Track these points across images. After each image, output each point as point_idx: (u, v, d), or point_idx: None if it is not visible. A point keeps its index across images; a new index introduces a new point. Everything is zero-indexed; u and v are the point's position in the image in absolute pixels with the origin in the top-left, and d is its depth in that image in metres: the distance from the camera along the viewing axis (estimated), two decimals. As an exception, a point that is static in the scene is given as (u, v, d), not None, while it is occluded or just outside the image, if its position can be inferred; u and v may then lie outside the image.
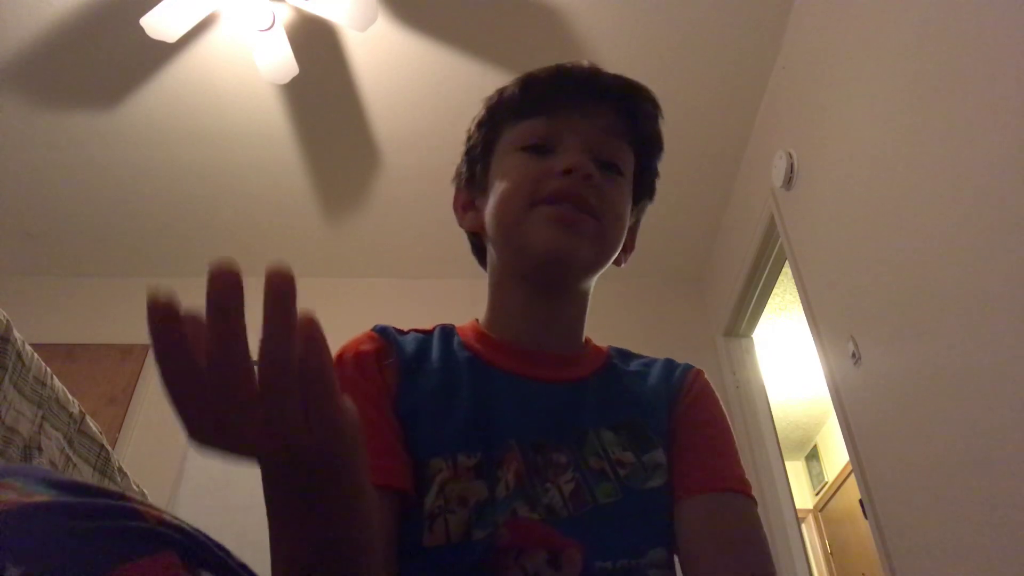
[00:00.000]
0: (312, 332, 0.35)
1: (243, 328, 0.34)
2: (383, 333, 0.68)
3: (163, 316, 0.33)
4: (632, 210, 0.73)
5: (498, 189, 0.69)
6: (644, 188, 0.75)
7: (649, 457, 0.63)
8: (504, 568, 0.55)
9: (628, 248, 0.76)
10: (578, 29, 2.43)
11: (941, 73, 1.64)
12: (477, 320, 0.74)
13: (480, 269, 0.78)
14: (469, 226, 0.75)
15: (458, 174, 0.78)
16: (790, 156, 2.44)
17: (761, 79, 2.63)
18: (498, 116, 0.73)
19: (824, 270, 2.30)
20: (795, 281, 2.50)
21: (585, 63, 0.72)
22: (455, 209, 0.77)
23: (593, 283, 0.72)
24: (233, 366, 0.34)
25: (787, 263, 2.62)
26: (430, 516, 0.57)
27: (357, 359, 0.64)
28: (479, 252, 0.77)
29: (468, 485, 0.58)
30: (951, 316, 1.61)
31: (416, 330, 0.72)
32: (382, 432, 0.59)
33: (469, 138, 0.77)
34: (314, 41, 2.45)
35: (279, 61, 2.32)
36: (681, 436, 0.66)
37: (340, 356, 0.64)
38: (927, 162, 1.70)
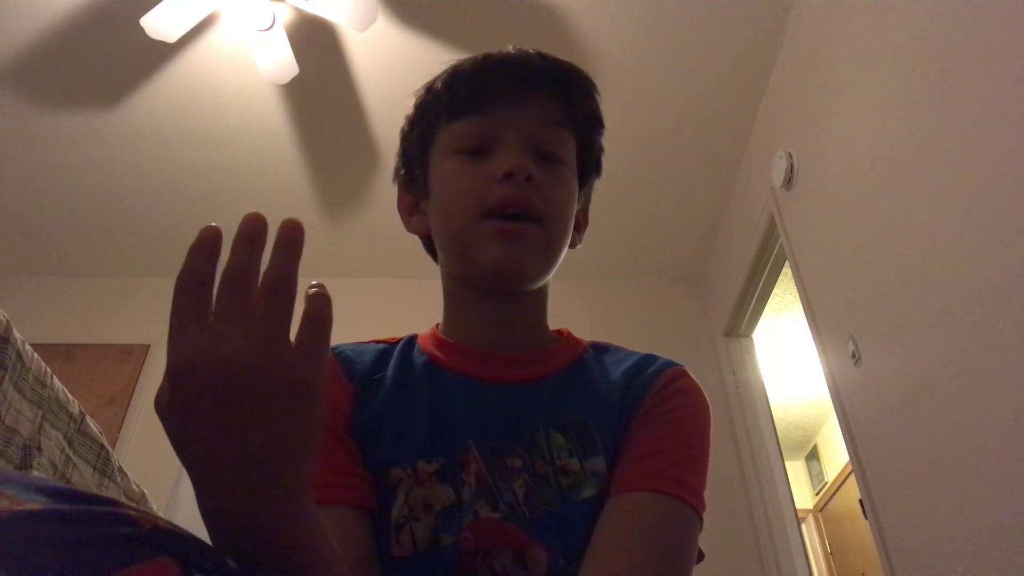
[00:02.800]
0: (320, 291, 0.40)
1: (260, 258, 0.39)
2: (336, 353, 0.67)
3: (208, 241, 0.39)
4: (580, 190, 0.72)
5: (441, 198, 0.68)
6: (590, 166, 0.74)
7: (591, 463, 0.60)
8: (473, 570, 0.55)
9: (581, 227, 0.75)
10: (578, 29, 2.43)
11: (941, 73, 1.64)
12: (437, 325, 0.73)
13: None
14: (416, 230, 0.74)
15: (397, 174, 0.76)
16: (790, 156, 2.44)
17: (761, 79, 2.63)
18: (430, 115, 0.70)
19: (824, 270, 2.30)
20: (795, 281, 2.50)
21: (511, 49, 0.69)
22: (400, 212, 0.75)
23: (550, 278, 0.71)
24: (244, 272, 0.38)
25: (787, 263, 2.62)
26: (396, 526, 0.57)
27: None
28: (432, 251, 0.75)
29: (432, 491, 0.58)
30: (951, 316, 1.61)
31: (380, 340, 0.71)
32: (334, 452, 0.59)
33: (404, 139, 0.75)
34: (314, 41, 2.45)
35: (279, 61, 2.32)
36: (633, 433, 0.62)
37: None
38: (927, 162, 1.69)
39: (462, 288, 0.70)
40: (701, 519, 0.59)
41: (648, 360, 0.69)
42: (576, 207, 0.71)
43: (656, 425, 0.62)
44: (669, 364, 0.68)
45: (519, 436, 0.61)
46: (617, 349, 0.73)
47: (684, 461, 0.60)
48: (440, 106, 0.69)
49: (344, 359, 0.67)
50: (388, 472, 0.59)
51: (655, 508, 0.56)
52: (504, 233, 0.63)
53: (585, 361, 0.70)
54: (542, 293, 0.71)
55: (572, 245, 0.72)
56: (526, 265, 0.64)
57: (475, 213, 0.63)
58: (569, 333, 0.74)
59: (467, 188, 0.64)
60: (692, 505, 0.57)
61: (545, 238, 0.65)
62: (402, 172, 0.75)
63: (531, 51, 0.70)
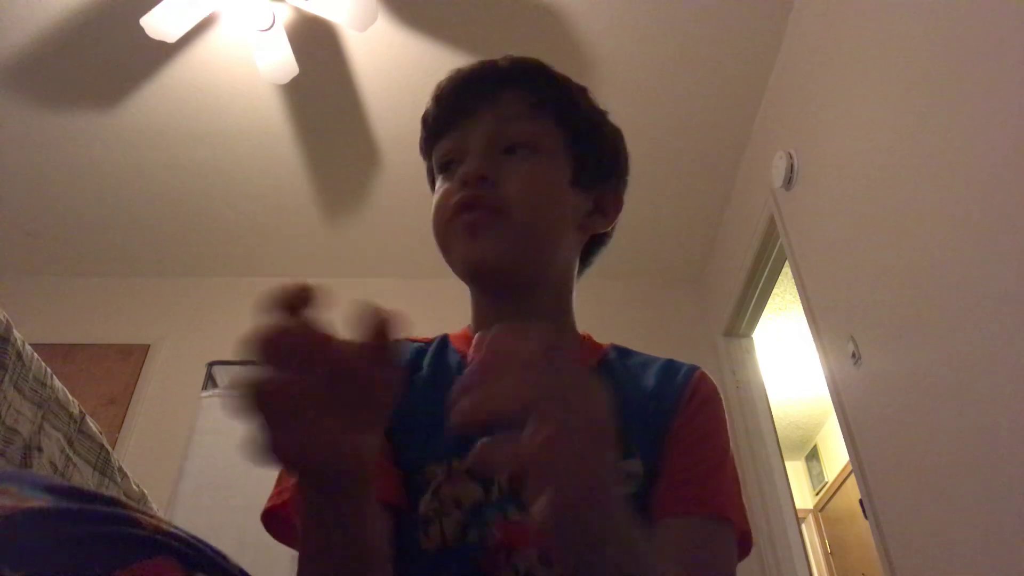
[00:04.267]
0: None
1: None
2: None
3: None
4: (588, 174, 0.71)
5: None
6: (587, 147, 0.72)
7: (624, 465, 0.61)
8: (496, 568, 0.56)
9: (608, 212, 0.74)
10: (578, 29, 2.43)
11: (941, 72, 1.64)
12: (469, 326, 0.74)
13: None
14: None
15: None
16: (790, 156, 2.44)
17: (761, 79, 2.63)
18: (425, 144, 0.75)
19: (824, 270, 2.30)
20: (795, 281, 2.50)
21: (480, 61, 0.72)
22: None
23: (572, 272, 0.71)
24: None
25: (787, 263, 2.62)
26: (425, 520, 0.58)
27: None
28: None
29: (462, 487, 0.59)
30: (951, 316, 1.61)
31: (413, 339, 0.73)
32: None
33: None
34: (314, 41, 2.45)
35: (279, 61, 2.32)
36: (674, 451, 0.63)
37: None
38: (927, 162, 1.70)
39: (473, 291, 0.72)
40: (743, 536, 0.61)
41: (673, 364, 0.71)
42: (565, 189, 0.69)
43: (695, 442, 0.64)
44: (693, 369, 0.70)
45: None
46: (638, 353, 0.74)
47: (721, 476, 0.63)
48: (426, 133, 0.74)
49: None
50: (424, 468, 0.60)
51: (705, 531, 0.59)
52: (464, 226, 0.65)
53: (610, 364, 0.71)
54: (559, 289, 0.71)
55: (598, 229, 0.73)
56: (495, 252, 0.64)
57: (446, 220, 0.66)
58: (590, 336, 0.75)
59: (440, 201, 0.68)
60: (730, 519, 0.60)
61: (511, 224, 0.64)
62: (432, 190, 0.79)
63: (498, 59, 0.72)
